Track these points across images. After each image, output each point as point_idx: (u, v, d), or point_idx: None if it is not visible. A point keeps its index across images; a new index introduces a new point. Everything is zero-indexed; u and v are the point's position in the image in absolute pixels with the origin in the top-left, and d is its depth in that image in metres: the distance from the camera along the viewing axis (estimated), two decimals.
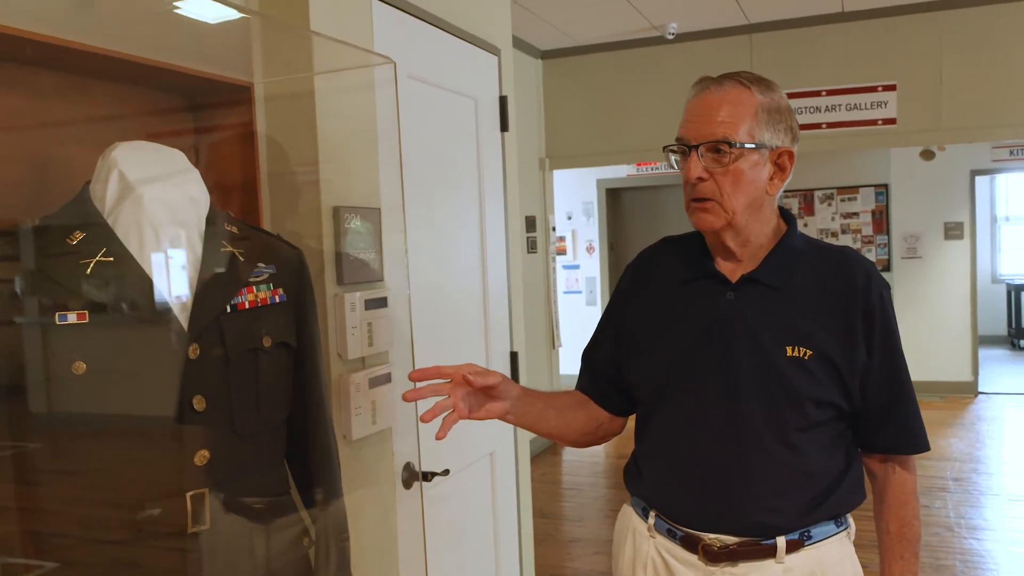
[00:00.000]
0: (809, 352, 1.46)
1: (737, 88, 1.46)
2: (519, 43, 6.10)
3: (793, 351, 1.46)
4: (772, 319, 1.48)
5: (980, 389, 8.17)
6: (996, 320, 10.66)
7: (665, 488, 1.55)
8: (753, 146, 1.44)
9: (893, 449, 1.54)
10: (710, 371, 1.49)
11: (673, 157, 1.52)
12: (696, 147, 1.45)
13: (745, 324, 1.49)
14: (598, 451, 6.88)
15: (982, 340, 8.87)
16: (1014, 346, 10.48)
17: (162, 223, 1.24)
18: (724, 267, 1.55)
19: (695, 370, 1.50)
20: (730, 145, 1.43)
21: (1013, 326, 10.54)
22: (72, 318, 1.15)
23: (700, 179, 1.45)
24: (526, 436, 3.04)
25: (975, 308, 8.18)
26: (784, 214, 1.59)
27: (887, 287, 1.54)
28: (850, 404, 1.50)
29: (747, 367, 1.47)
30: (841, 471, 1.52)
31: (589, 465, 6.49)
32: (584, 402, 1.70)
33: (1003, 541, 4.46)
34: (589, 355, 1.74)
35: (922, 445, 1.55)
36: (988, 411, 7.46)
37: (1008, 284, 10.68)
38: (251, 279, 1.34)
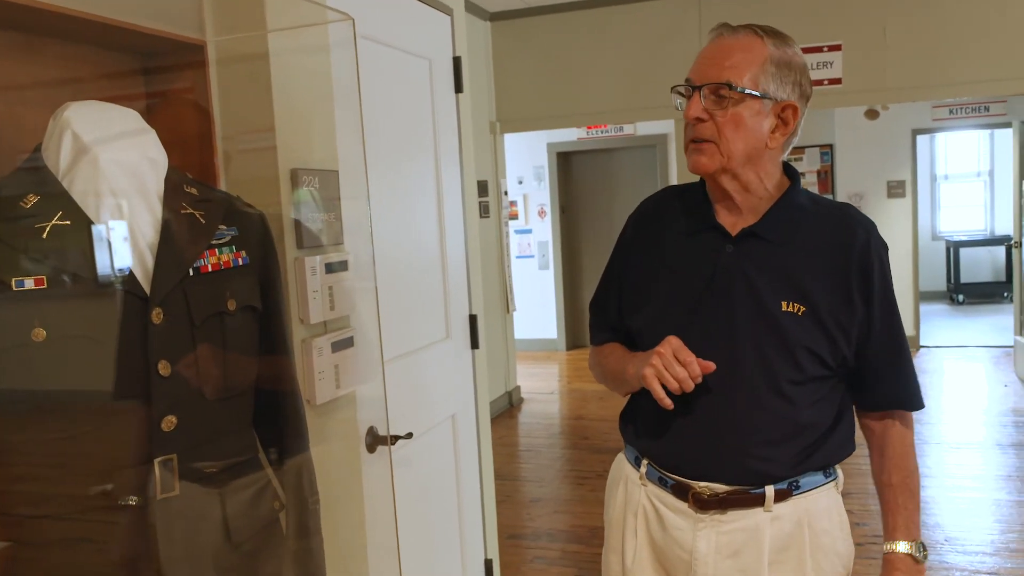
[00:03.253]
0: (803, 308, 1.47)
1: (750, 36, 1.46)
2: (468, 5, 6.01)
3: (788, 306, 1.47)
4: (770, 273, 1.49)
5: (922, 343, 8.41)
6: (936, 276, 10.96)
7: (658, 437, 1.57)
8: (756, 94, 1.44)
9: (893, 404, 1.56)
10: (708, 323, 1.50)
11: (678, 100, 1.52)
12: (699, 88, 1.45)
13: (744, 277, 1.50)
14: (554, 413, 6.94)
15: (923, 296, 9.12)
16: (953, 301, 10.80)
17: (120, 185, 1.20)
18: (725, 220, 1.55)
19: (693, 323, 1.51)
20: (731, 88, 1.43)
21: (952, 282, 10.86)
22: (30, 284, 1.12)
23: (699, 119, 1.45)
24: (486, 398, 3.05)
25: (917, 265, 8.39)
26: (788, 170, 1.58)
27: (885, 247, 1.56)
28: (840, 361, 1.51)
29: (744, 320, 1.48)
30: (831, 424, 1.54)
31: (545, 427, 6.55)
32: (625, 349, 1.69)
33: (945, 487, 4.63)
34: (600, 308, 1.75)
35: (918, 402, 1.57)
36: (930, 364, 7.69)
37: (947, 241, 10.98)
38: (213, 241, 1.31)
